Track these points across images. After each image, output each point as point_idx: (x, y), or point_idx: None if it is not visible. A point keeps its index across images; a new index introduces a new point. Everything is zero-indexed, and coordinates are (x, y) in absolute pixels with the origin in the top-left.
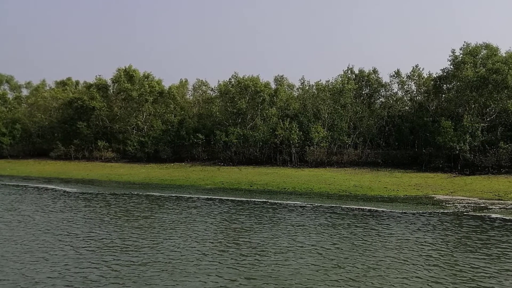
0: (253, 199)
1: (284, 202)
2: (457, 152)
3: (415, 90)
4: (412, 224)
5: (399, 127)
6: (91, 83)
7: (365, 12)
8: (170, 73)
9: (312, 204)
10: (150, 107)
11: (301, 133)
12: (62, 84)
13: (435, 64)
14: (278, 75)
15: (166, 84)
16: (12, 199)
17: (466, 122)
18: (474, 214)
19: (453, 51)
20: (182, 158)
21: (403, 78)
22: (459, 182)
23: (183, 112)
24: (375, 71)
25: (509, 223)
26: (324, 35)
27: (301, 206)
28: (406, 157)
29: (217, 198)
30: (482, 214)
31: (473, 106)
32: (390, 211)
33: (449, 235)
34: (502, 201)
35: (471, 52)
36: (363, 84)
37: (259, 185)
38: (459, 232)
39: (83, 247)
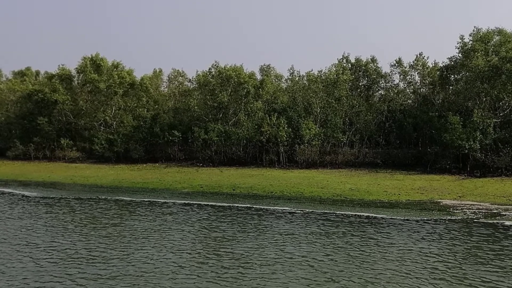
0: (236, 205)
1: (271, 207)
2: (466, 151)
3: (418, 82)
4: (415, 233)
5: (400, 123)
6: (53, 73)
7: None
8: (142, 62)
9: (302, 210)
10: (119, 101)
11: (290, 129)
12: (20, 74)
13: (442, 52)
14: (264, 65)
15: (138, 75)
16: None
17: (477, 117)
18: (486, 221)
19: (461, 38)
20: (156, 158)
21: (405, 67)
22: (469, 185)
23: (157, 106)
24: (373, 60)
25: None
26: (317, 19)
27: (290, 212)
28: (409, 157)
29: (195, 203)
30: (495, 221)
31: (484, 99)
32: (391, 218)
33: (457, 245)
34: None
35: (482, 39)
36: (360, 74)
37: (243, 188)
38: (468, 241)
39: (44, 259)
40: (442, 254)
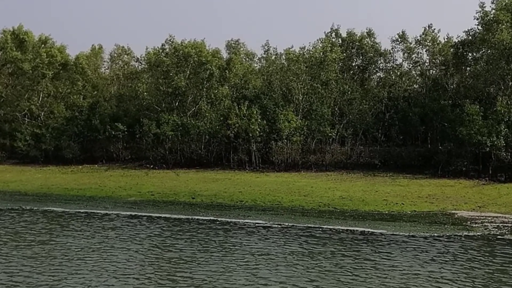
0: (196, 217)
1: (241, 220)
2: (488, 149)
3: (427, 61)
4: (423, 253)
5: (404, 113)
6: None
7: None
8: (77, 36)
9: (280, 224)
10: (49, 85)
11: (264, 122)
12: None
13: (457, 24)
14: (231, 40)
15: (72, 53)
16: None
17: (501, 106)
18: None
19: (482, 6)
20: (95, 158)
21: (411, 43)
22: (491, 193)
23: (96, 92)
24: (370, 34)
25: None
26: None
27: (264, 227)
28: (415, 157)
29: (144, 215)
30: None
31: (510, 83)
32: (392, 234)
33: (476, 268)
34: None
35: (507, 7)
36: (353, 52)
37: (205, 196)
38: (490, 263)
39: None
40: (457, 280)
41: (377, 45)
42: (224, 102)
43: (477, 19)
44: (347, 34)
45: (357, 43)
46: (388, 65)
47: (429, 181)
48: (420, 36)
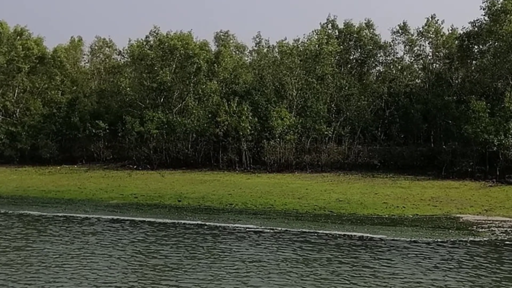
0: (183, 221)
1: (230, 225)
2: (495, 148)
3: (430, 54)
4: (426, 259)
5: (406, 110)
6: None
7: None
8: (55, 28)
9: (273, 229)
10: (25, 80)
11: (256, 119)
12: None
13: (462, 14)
14: (221, 31)
15: (50, 45)
16: None
17: (509, 102)
18: None
19: None
20: (74, 157)
21: (413, 35)
22: (499, 195)
23: (75, 87)
24: (369, 25)
25: None
26: None
27: (256, 232)
28: (417, 157)
29: (127, 220)
30: None
31: None
32: (393, 240)
33: (482, 276)
34: None
35: None
36: (351, 45)
37: (192, 199)
38: (498, 271)
39: None
40: None
41: (377, 37)
42: (212, 98)
43: (483, 9)
44: (344, 25)
45: (355, 35)
46: (388, 58)
47: (432, 183)
48: (423, 28)
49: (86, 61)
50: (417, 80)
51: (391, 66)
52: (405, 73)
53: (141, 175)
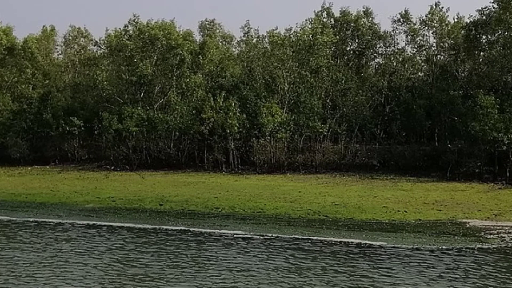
0: (165, 227)
1: (217, 231)
2: (505, 147)
3: (434, 45)
4: (429, 268)
5: (407, 106)
6: None
7: None
8: (25, 16)
9: (263, 235)
10: None
11: (244, 116)
12: None
13: (469, 2)
14: (206, 20)
15: (20, 35)
16: None
17: None
18: None
19: None
20: (47, 157)
21: (415, 24)
22: (509, 198)
23: (47, 81)
24: (367, 14)
25: None
26: None
27: (244, 238)
28: (420, 157)
29: (104, 225)
30: None
31: None
32: (393, 247)
33: (490, 286)
34: None
35: None
36: (347, 35)
37: (175, 203)
38: (507, 280)
39: None
40: None
41: (376, 26)
42: (197, 92)
43: None
44: (340, 14)
45: (352, 24)
46: (388, 49)
47: (436, 185)
48: (426, 16)
49: (60, 52)
50: (419, 73)
51: (392, 58)
52: (406, 65)
53: (119, 177)
